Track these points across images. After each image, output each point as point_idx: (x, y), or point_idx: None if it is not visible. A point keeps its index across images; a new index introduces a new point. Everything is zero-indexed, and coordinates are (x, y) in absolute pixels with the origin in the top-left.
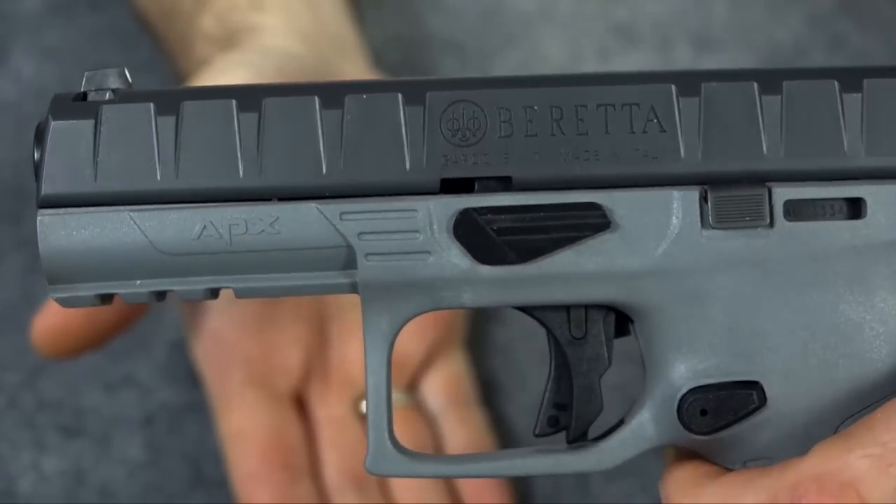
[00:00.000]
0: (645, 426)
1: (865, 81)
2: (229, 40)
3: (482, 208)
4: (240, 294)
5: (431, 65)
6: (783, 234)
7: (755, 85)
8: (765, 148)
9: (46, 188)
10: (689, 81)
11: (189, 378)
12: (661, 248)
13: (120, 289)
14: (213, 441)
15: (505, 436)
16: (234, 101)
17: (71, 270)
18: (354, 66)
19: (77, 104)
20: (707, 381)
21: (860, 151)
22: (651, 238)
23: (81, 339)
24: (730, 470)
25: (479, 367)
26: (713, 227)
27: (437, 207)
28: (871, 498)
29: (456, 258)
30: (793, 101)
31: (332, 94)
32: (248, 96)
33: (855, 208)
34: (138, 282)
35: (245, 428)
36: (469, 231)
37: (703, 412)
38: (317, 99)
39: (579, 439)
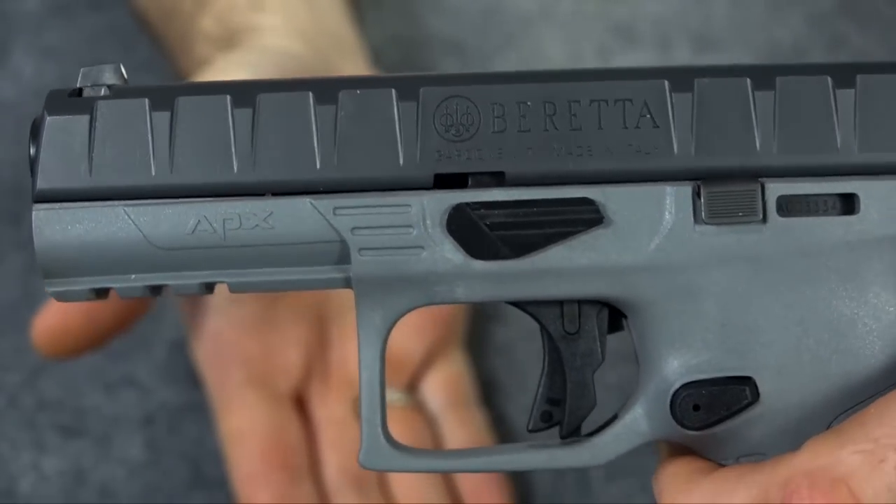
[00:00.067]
0: (638, 421)
1: (858, 77)
2: (229, 40)
3: (475, 203)
4: (234, 288)
5: (431, 65)
6: (776, 230)
7: (748, 80)
8: (758, 143)
9: (42, 183)
10: (682, 77)
11: (189, 378)
12: (654, 243)
13: (115, 283)
14: (213, 441)
15: (505, 436)
16: (228, 97)
17: (66, 265)
18: (354, 66)
19: (72, 100)
20: (700, 377)
21: (853, 147)
22: (644, 233)
23: (82, 338)
24: (723, 465)
25: (479, 367)
26: (706, 223)
27: (431, 202)
28: (863, 494)
29: (449, 253)
30: (786, 97)
31: (326, 89)
32: (243, 92)
33: (848, 204)
34: (133, 276)
35: (245, 428)
36: (462, 226)
37: (696, 407)
38: (311, 94)
39: (572, 434)
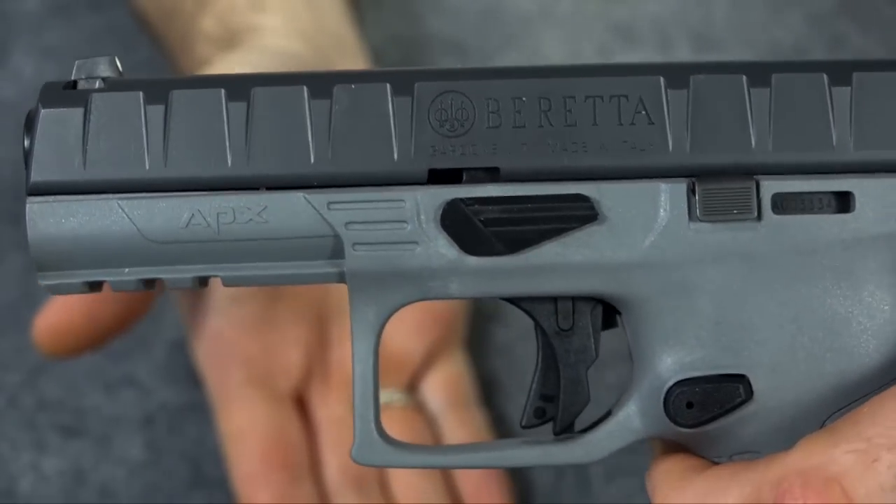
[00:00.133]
0: (632, 418)
1: (855, 75)
2: (230, 41)
3: (470, 199)
4: (227, 282)
5: (431, 65)
6: (771, 228)
7: (744, 77)
8: (753, 141)
9: (35, 175)
10: (677, 74)
11: (189, 378)
12: (649, 240)
13: (108, 276)
14: (213, 441)
15: (505, 436)
16: (222, 91)
17: (59, 258)
18: (354, 66)
19: (67, 92)
20: (694, 374)
21: (849, 145)
22: (638, 230)
23: (82, 338)
24: (716, 463)
25: (479, 367)
26: (701, 220)
27: (425, 198)
28: (855, 493)
29: (443, 248)
30: (781, 94)
31: (321, 84)
32: (237, 86)
33: (843, 202)
34: (127, 270)
35: (245, 428)
36: (456, 221)
37: (690, 405)
38: (305, 89)
39: (566, 431)
